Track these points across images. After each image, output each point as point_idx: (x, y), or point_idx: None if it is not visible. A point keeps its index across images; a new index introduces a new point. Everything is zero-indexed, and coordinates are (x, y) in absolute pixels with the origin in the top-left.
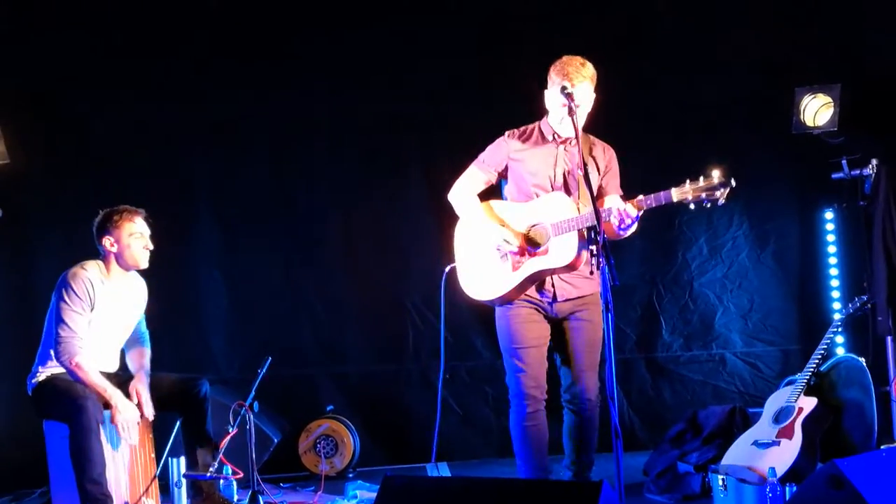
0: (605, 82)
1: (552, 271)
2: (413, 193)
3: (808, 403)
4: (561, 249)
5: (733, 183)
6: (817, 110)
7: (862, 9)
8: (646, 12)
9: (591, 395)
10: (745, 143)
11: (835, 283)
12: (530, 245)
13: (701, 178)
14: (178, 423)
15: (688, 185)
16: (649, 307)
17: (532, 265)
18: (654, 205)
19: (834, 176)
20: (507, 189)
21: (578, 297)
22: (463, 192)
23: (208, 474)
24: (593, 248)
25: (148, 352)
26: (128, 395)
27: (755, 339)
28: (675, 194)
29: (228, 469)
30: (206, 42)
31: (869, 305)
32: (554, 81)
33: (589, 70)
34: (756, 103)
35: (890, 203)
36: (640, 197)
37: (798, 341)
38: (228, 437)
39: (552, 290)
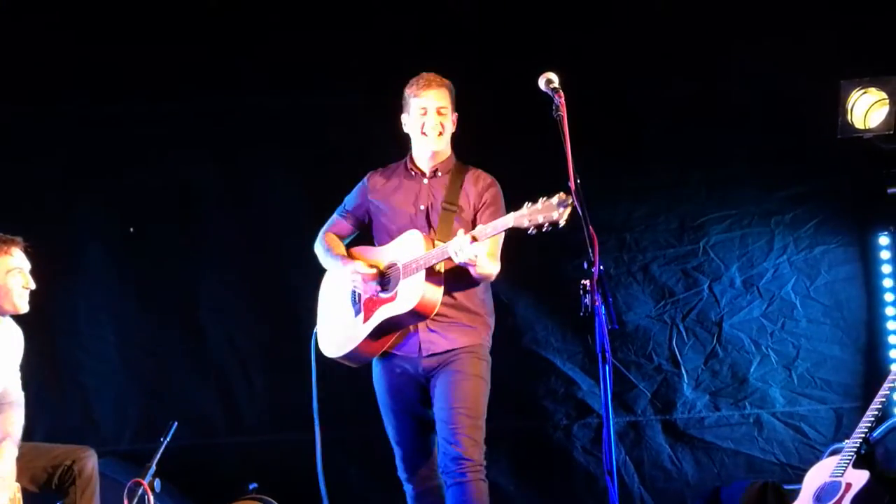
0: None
1: (403, 318)
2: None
3: (859, 478)
4: (406, 293)
5: (572, 202)
6: (868, 109)
7: None
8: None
9: (470, 457)
10: (784, 148)
11: (892, 325)
12: (384, 290)
13: (540, 200)
14: None
15: (525, 209)
16: (667, 355)
17: (382, 313)
18: (492, 233)
19: (890, 191)
20: (374, 234)
21: (447, 351)
22: (321, 239)
23: None
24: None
25: (19, 417)
26: None
27: (801, 395)
28: (512, 219)
29: None
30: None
31: None
32: (405, 100)
33: (443, 80)
34: (795, 100)
35: None
36: (479, 227)
37: (857, 398)
38: None
39: (417, 343)
